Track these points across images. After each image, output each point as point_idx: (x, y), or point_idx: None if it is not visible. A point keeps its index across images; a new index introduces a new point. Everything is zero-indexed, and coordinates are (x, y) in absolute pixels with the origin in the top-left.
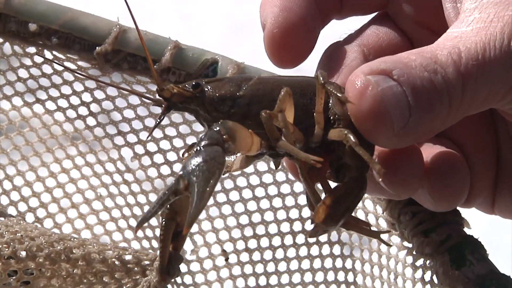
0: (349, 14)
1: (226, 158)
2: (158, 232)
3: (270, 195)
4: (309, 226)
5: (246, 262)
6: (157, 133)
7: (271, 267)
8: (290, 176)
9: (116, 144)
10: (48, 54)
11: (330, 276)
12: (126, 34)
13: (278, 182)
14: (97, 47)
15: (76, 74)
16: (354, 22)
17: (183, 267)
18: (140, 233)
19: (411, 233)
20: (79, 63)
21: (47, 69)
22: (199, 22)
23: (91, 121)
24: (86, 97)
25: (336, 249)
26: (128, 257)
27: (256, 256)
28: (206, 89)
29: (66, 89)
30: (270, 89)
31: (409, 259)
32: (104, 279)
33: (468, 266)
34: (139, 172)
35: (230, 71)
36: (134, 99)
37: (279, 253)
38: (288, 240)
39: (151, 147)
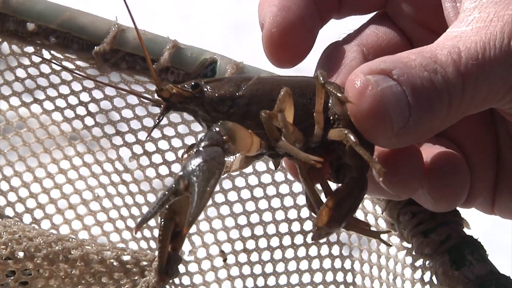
0: (348, 13)
1: (226, 159)
2: (156, 233)
3: (269, 196)
4: (308, 226)
5: (244, 263)
6: (156, 133)
7: (269, 268)
8: (289, 177)
9: (114, 144)
10: (46, 54)
11: (329, 276)
12: (125, 34)
13: (276, 182)
14: (95, 47)
15: (74, 74)
16: (353, 22)
17: (181, 268)
18: (138, 234)
19: (411, 233)
20: (77, 62)
21: (45, 68)
22: (199, 21)
23: (89, 121)
24: (84, 97)
25: (335, 250)
26: (126, 258)
27: (254, 256)
28: (205, 89)
29: (64, 89)
30: (269, 89)
31: (409, 260)
32: (102, 280)
33: (467, 266)
34: (137, 172)
35: (229, 71)
36: (132, 99)
37: (277, 254)
38: (287, 240)
39: (150, 147)
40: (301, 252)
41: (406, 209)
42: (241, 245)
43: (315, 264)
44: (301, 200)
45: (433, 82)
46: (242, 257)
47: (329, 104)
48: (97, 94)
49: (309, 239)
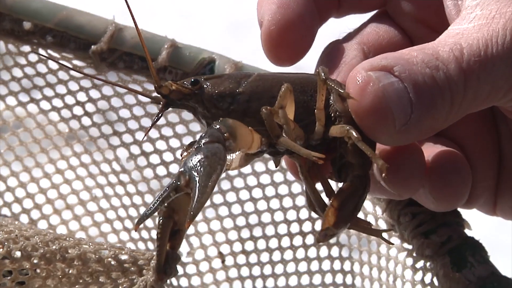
0: (347, 12)
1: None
2: (154, 233)
3: (268, 196)
4: (307, 228)
5: (243, 264)
6: (153, 133)
7: (268, 270)
8: (288, 177)
9: (112, 144)
10: (42, 53)
11: (328, 278)
12: (122, 33)
13: (275, 183)
14: (92, 46)
15: (71, 73)
16: (354, 21)
17: (179, 270)
18: (135, 235)
19: (411, 234)
20: (74, 62)
21: (41, 68)
22: (199, 20)
23: (86, 121)
24: (81, 96)
25: (334, 251)
26: (124, 257)
27: (253, 258)
28: (205, 86)
29: (61, 89)
30: (269, 85)
31: (409, 261)
32: (100, 279)
33: (469, 268)
34: (135, 172)
35: (228, 70)
36: (130, 99)
37: (276, 255)
38: (285, 242)
39: (147, 147)
40: (300, 253)
41: (406, 210)
42: (240, 246)
43: (314, 265)
44: (300, 201)
45: (435, 79)
46: (241, 259)
47: (330, 101)
48: (94, 93)
49: (308, 240)
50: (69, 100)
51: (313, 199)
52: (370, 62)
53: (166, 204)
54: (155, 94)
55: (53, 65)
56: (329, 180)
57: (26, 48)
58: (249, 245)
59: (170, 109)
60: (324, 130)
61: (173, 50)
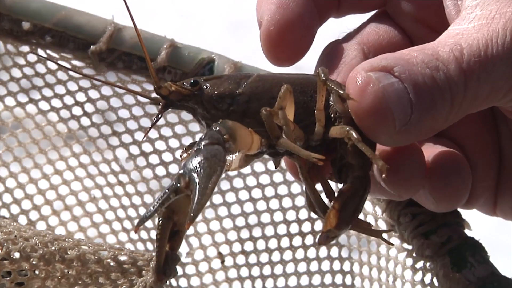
0: (347, 12)
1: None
2: (153, 234)
3: (267, 197)
4: (306, 228)
5: (242, 264)
6: (153, 134)
7: (267, 270)
8: (288, 177)
9: (111, 144)
10: (41, 53)
11: (328, 279)
12: (121, 33)
13: (275, 183)
14: (91, 46)
15: (70, 73)
16: (353, 21)
17: (178, 270)
18: (134, 235)
19: (411, 235)
20: (73, 62)
21: (40, 68)
22: (199, 20)
23: (85, 121)
24: (80, 96)
25: (334, 252)
26: (123, 258)
27: (252, 258)
28: (204, 86)
29: (59, 89)
30: (269, 86)
31: (409, 261)
32: (99, 280)
33: (469, 268)
34: (134, 173)
35: (227, 70)
36: (129, 99)
37: (276, 256)
38: (285, 242)
39: (146, 147)
40: (299, 254)
41: (406, 210)
42: (239, 246)
43: (314, 266)
44: (300, 201)
45: (435, 79)
46: (240, 259)
47: (330, 102)
48: (93, 94)
49: (307, 241)
50: (68, 100)
51: (313, 200)
52: (370, 62)
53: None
54: (154, 95)
55: (52, 65)
56: (329, 181)
57: (25, 48)
58: (249, 246)
59: (168, 110)
60: (324, 131)
61: (172, 50)
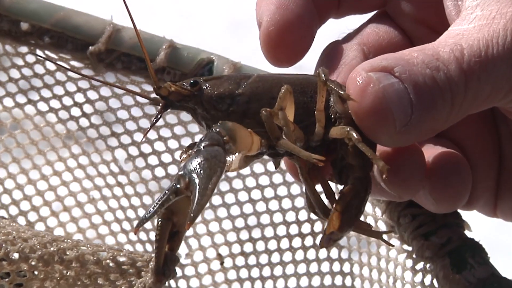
0: (347, 13)
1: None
2: (152, 235)
3: (267, 198)
4: (306, 229)
5: (242, 266)
6: (152, 134)
7: (267, 271)
8: (287, 178)
9: (110, 145)
10: (40, 54)
11: (327, 280)
12: (120, 33)
13: (274, 184)
14: (90, 47)
15: (69, 74)
16: (353, 21)
17: (177, 272)
18: (133, 237)
19: (411, 236)
20: (72, 63)
21: (39, 69)
22: (199, 20)
23: (84, 122)
24: (79, 97)
25: (334, 253)
26: (122, 259)
27: (252, 260)
28: (204, 87)
29: (58, 90)
30: (269, 87)
31: (409, 263)
32: (98, 281)
33: (469, 269)
34: (133, 174)
35: (226, 71)
36: (128, 100)
37: (275, 257)
38: (284, 243)
39: (146, 148)
40: (299, 255)
41: (406, 211)
42: (239, 248)
43: (313, 267)
44: (299, 202)
45: (436, 80)
46: (240, 260)
47: (330, 102)
48: (92, 94)
49: (307, 242)
50: (67, 101)
51: (313, 201)
52: (370, 63)
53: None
54: (153, 95)
55: (50, 66)
56: (329, 182)
57: (24, 49)
58: (248, 247)
59: (167, 110)
60: (324, 132)
61: (171, 51)
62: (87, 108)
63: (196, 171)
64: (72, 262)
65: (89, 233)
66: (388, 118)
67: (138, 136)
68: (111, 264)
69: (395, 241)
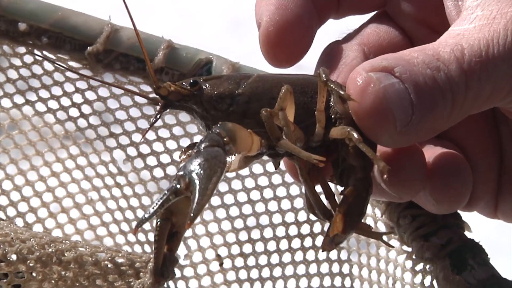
0: (347, 13)
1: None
2: (150, 236)
3: (266, 199)
4: (305, 230)
5: (241, 267)
6: (150, 135)
7: (266, 273)
8: (286, 179)
9: (108, 146)
10: (38, 54)
11: (327, 281)
12: (118, 34)
13: (273, 185)
14: (88, 47)
15: (67, 74)
16: (354, 21)
17: (176, 273)
18: (132, 238)
19: (411, 237)
20: (70, 63)
21: (37, 69)
22: (199, 20)
23: (82, 122)
24: (77, 98)
25: (333, 254)
26: (121, 260)
27: (251, 261)
28: (204, 86)
29: (56, 90)
30: (269, 87)
31: (409, 264)
32: (97, 282)
33: (469, 270)
34: (131, 174)
35: (225, 71)
36: (126, 100)
37: (275, 258)
38: (284, 244)
39: (144, 149)
40: (299, 256)
41: (406, 212)
42: (238, 249)
43: (313, 268)
44: (299, 203)
45: (436, 80)
46: (239, 261)
47: (331, 103)
48: (90, 95)
49: (306, 243)
50: (65, 101)
51: (313, 202)
52: (371, 63)
53: None
54: (153, 95)
55: (48, 66)
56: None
57: (21, 49)
58: (247, 248)
59: (167, 110)
60: (324, 132)
61: (169, 51)
62: (85, 109)
63: (196, 171)
64: (71, 263)
65: (87, 234)
66: (389, 118)
67: (137, 137)
68: (109, 265)
69: (394, 242)
